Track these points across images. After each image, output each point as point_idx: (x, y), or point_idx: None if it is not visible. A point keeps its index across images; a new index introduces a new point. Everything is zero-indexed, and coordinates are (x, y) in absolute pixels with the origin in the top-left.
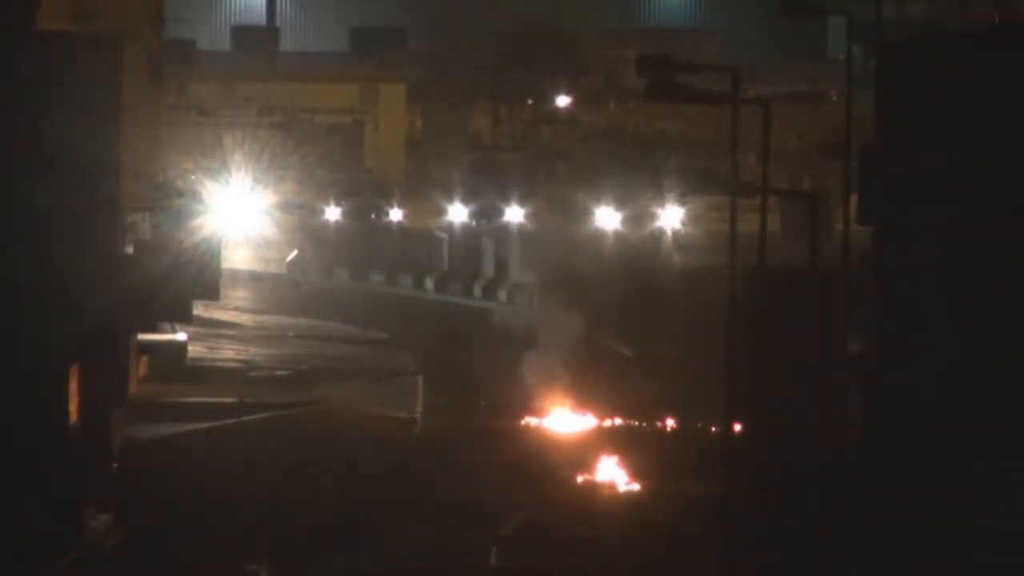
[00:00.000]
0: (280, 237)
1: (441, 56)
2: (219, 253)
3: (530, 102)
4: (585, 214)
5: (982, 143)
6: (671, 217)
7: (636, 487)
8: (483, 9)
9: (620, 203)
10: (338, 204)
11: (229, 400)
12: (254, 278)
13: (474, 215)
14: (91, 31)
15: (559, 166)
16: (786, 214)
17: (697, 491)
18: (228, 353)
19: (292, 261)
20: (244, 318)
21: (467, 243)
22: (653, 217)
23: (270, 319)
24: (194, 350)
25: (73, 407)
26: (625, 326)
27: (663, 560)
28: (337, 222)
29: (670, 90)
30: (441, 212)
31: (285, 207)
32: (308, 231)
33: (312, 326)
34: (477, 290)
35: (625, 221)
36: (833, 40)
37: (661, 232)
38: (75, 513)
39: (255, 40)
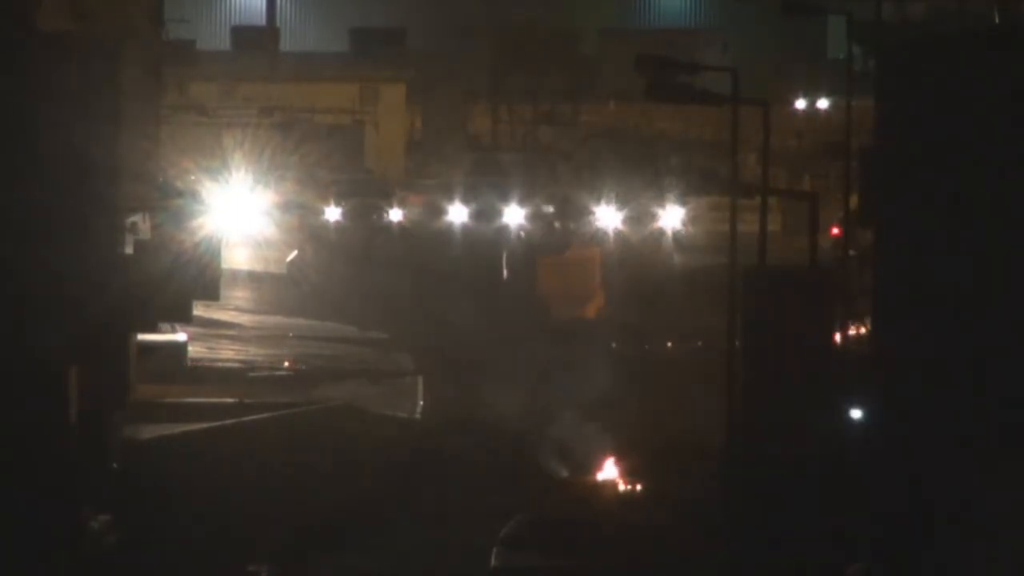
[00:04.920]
0: (280, 237)
1: (441, 56)
2: (219, 253)
3: (530, 102)
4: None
5: (982, 143)
6: (671, 217)
7: (636, 487)
8: (483, 9)
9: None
10: (338, 204)
11: (229, 400)
12: (254, 278)
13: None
14: (91, 31)
15: (559, 166)
16: (786, 214)
17: (696, 491)
18: (228, 353)
19: (292, 261)
20: (244, 318)
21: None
22: (654, 217)
23: (270, 319)
24: (194, 350)
25: (73, 407)
26: None
27: (662, 560)
28: (337, 222)
29: (670, 90)
30: (441, 212)
31: (285, 207)
32: (308, 231)
33: (312, 326)
34: None
35: (626, 221)
36: (833, 40)
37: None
38: (75, 513)
39: (255, 40)
